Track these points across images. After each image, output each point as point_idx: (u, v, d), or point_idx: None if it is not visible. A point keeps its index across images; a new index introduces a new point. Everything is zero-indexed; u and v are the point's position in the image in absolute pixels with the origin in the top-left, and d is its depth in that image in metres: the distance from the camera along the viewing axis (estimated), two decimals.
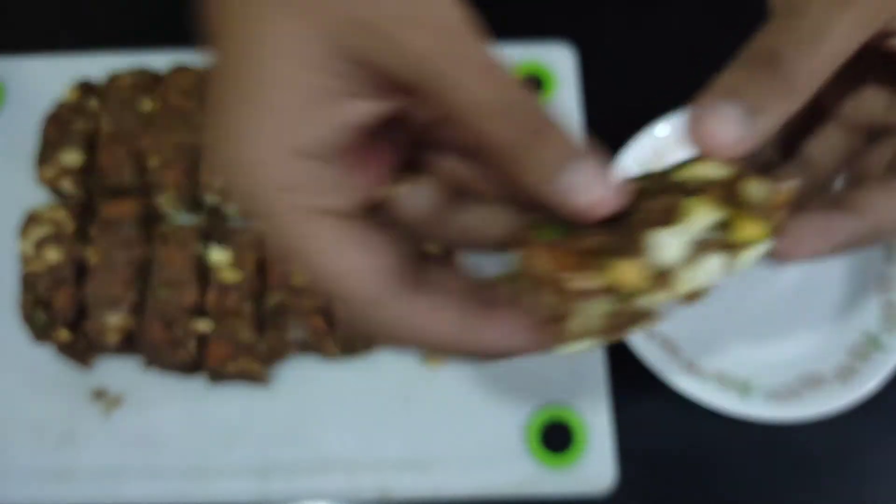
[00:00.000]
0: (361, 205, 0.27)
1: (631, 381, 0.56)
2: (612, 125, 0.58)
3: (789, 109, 0.27)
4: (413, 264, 0.27)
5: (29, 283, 0.54)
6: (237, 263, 0.55)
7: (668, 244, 0.26)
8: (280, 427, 0.54)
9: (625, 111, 0.59)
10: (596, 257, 0.26)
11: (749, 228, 0.28)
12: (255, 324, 0.54)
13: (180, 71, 0.60)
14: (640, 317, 0.27)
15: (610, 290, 0.26)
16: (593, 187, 0.25)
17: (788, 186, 0.28)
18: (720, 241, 0.27)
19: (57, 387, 0.55)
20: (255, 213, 0.26)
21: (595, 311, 0.26)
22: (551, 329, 0.27)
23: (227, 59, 0.25)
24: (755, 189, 0.27)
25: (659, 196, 0.27)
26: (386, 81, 0.25)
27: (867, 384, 0.53)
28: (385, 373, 0.56)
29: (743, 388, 0.54)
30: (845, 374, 0.54)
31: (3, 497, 0.53)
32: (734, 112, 0.26)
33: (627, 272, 0.26)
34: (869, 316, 0.56)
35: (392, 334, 0.26)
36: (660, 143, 0.58)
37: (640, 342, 0.54)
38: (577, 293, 0.26)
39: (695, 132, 0.27)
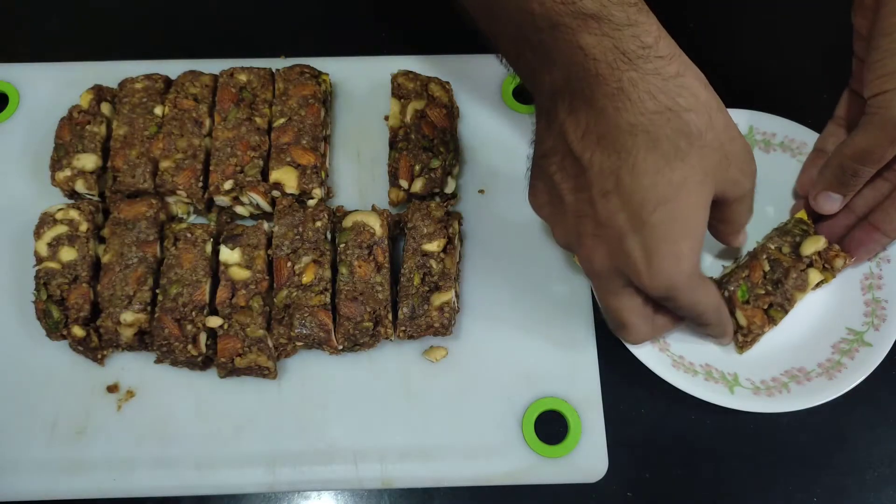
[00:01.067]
0: None
1: (623, 374, 0.58)
2: None
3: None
4: None
5: (43, 281, 0.55)
6: (246, 262, 0.56)
7: (801, 297, 0.56)
8: (287, 419, 0.56)
9: None
10: (768, 310, 0.56)
11: (830, 279, 0.57)
12: (263, 320, 0.55)
13: (191, 76, 0.62)
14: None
15: (774, 326, 0.56)
16: (743, 238, 0.54)
17: (852, 259, 0.56)
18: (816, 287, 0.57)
19: (70, 382, 0.57)
20: (677, 291, 0.45)
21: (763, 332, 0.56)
22: (743, 341, 0.56)
23: (652, 195, 0.43)
24: (839, 262, 0.56)
25: (794, 264, 0.56)
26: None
27: (852, 379, 0.54)
28: (387, 367, 0.57)
29: (731, 381, 0.55)
30: (831, 369, 0.55)
31: (20, 489, 0.54)
32: (837, 198, 0.56)
33: (781, 317, 0.56)
34: (854, 313, 0.58)
35: (720, 323, 0.52)
36: None
37: None
38: (763, 332, 0.56)
39: (816, 205, 0.57)
